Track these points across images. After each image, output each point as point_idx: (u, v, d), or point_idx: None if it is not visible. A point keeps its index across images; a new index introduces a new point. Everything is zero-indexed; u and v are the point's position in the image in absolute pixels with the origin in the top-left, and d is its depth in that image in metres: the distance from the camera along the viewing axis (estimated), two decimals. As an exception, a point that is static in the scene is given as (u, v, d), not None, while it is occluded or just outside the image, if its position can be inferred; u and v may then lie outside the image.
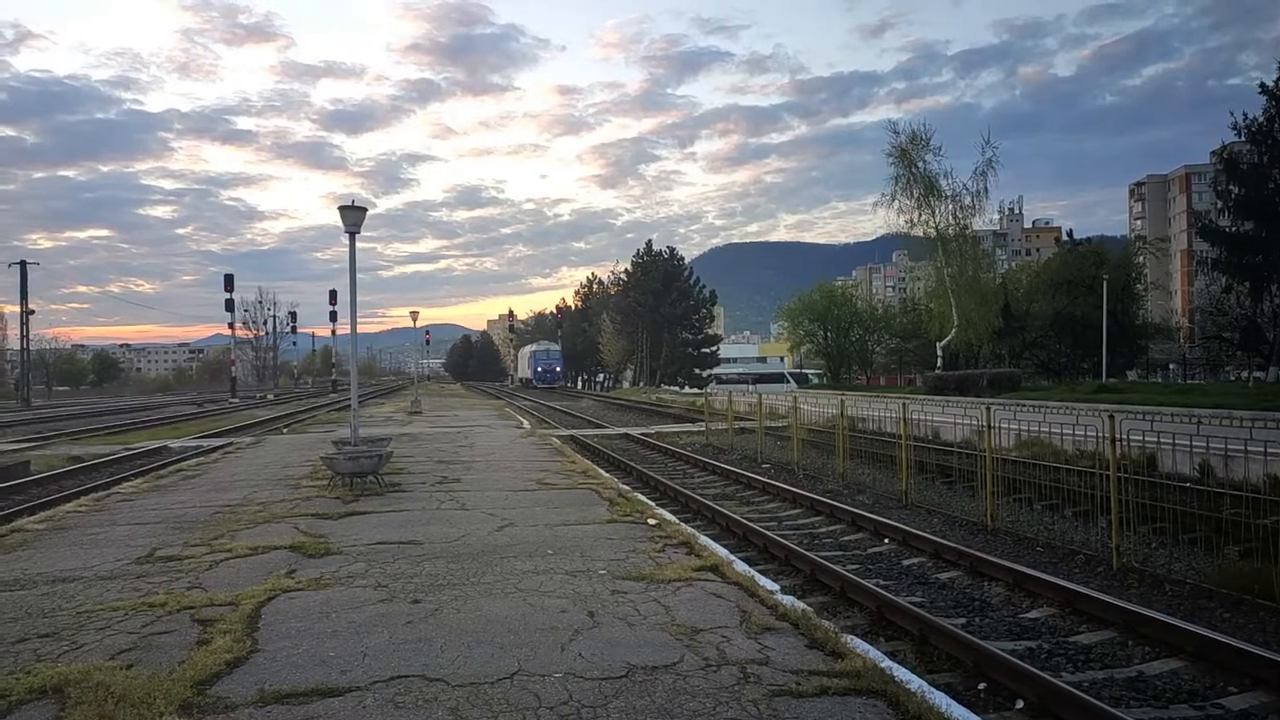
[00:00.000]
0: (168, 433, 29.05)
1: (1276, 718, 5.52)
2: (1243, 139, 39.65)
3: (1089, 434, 11.99)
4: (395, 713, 4.33)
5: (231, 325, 60.30)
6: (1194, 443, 11.97)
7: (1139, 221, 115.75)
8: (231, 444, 21.89)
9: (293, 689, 4.63)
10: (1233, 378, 52.36)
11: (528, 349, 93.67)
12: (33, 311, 61.97)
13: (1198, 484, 11.67)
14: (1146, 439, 11.44)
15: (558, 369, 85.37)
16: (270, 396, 65.98)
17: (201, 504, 11.30)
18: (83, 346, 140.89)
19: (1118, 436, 9.94)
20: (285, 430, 28.63)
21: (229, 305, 57.57)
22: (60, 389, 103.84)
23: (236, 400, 55.75)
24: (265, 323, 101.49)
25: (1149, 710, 5.68)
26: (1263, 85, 38.51)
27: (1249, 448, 11.79)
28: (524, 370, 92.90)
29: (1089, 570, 9.42)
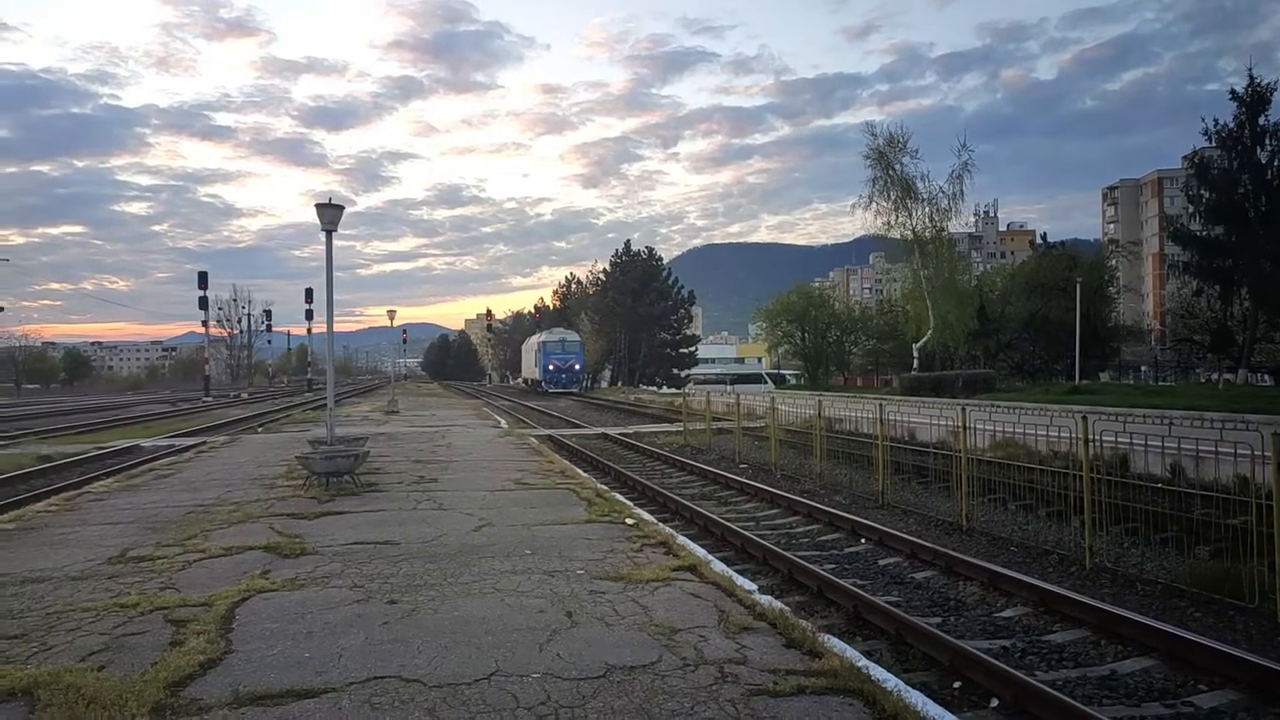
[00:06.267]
0: (140, 432, 28.68)
1: (1246, 715, 5.60)
2: (1214, 144, 40.29)
3: (1062, 435, 12.10)
4: (371, 714, 4.29)
5: (205, 323, 59.61)
6: (1165, 444, 12.11)
7: (1112, 225, 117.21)
8: (205, 443, 21.63)
9: (267, 690, 4.59)
10: (1203, 380, 53.09)
11: (535, 339, 71.04)
12: (2, 308, 61.08)
13: (1169, 484, 11.83)
14: (1119, 440, 11.55)
15: (576, 367, 65.81)
16: (244, 395, 65.31)
17: (174, 504, 11.16)
18: (53, 344, 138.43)
19: (1090, 437, 10.05)
20: (260, 429, 28.33)
21: (203, 303, 56.89)
22: (30, 387, 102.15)
23: (210, 399, 55.11)
24: (240, 321, 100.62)
25: (1122, 708, 5.75)
26: (1233, 92, 39.16)
27: (1219, 449, 11.95)
28: (530, 369, 72.76)
29: (1062, 570, 9.52)
